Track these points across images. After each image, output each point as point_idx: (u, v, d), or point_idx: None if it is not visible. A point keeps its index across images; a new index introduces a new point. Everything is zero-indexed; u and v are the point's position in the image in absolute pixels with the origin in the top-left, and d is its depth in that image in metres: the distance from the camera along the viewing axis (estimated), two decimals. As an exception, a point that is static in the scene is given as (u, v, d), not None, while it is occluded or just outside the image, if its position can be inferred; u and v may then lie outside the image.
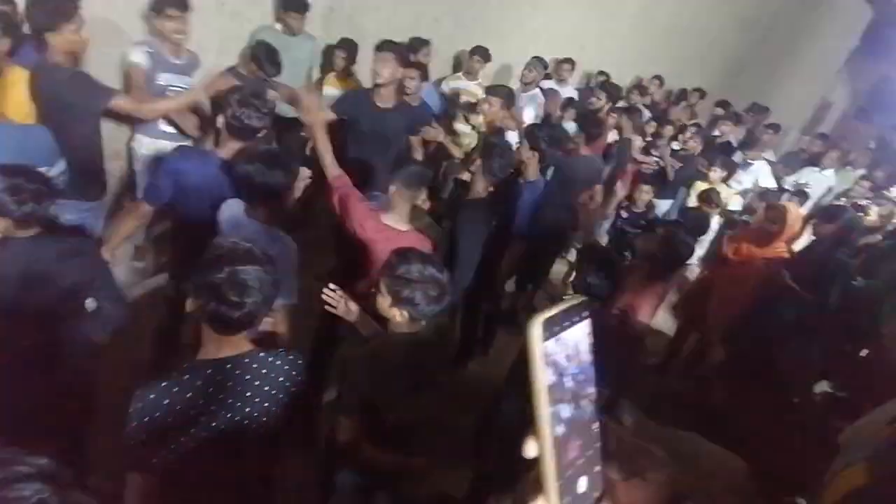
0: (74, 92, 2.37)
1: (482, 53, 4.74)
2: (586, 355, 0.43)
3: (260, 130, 2.20)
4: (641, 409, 3.54)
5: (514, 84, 5.16)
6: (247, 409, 1.34)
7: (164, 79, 3.03)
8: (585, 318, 0.42)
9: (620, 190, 4.70)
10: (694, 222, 3.77)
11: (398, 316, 1.65)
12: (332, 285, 1.97)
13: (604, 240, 4.87)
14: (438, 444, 1.91)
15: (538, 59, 5.03)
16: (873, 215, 4.39)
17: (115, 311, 1.81)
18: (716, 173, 5.03)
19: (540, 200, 3.26)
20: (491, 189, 2.79)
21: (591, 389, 0.43)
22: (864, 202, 4.77)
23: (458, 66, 5.34)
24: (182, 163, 2.17)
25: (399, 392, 1.64)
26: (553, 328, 0.40)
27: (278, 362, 1.41)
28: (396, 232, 2.30)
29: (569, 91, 5.81)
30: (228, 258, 1.27)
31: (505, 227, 3.12)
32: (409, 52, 4.32)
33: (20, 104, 2.32)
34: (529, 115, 4.86)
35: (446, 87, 4.84)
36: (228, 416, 1.31)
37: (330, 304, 1.95)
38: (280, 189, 1.97)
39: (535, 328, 0.39)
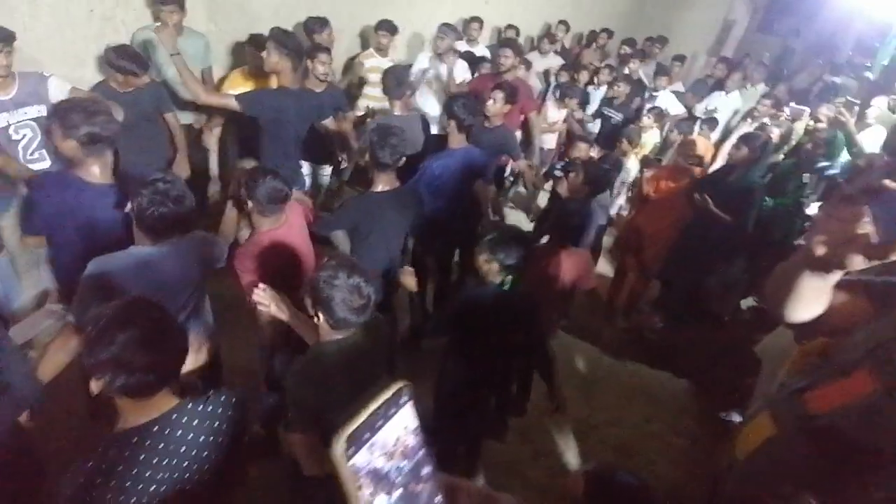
0: None
1: (388, 27, 4.59)
2: (413, 440, 0.41)
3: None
4: (586, 349, 3.75)
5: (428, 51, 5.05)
6: (185, 465, 1.28)
7: (1, 120, 2.74)
8: (405, 403, 0.41)
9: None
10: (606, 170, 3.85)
11: (319, 319, 1.65)
12: (261, 285, 1.93)
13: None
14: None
15: (447, 25, 4.88)
16: (775, 136, 4.65)
17: (27, 390, 1.62)
18: (649, 119, 5.17)
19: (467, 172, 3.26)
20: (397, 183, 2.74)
21: (426, 470, 0.42)
22: (766, 121, 5.03)
23: (366, 43, 5.16)
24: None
25: (340, 399, 1.64)
26: (362, 437, 0.39)
27: (210, 408, 1.34)
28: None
29: (481, 50, 5.75)
30: (118, 325, 1.16)
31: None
32: (309, 34, 4.18)
33: None
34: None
35: (359, 64, 4.68)
36: (167, 476, 1.25)
37: (262, 304, 1.91)
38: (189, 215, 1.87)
39: (338, 448, 0.37)
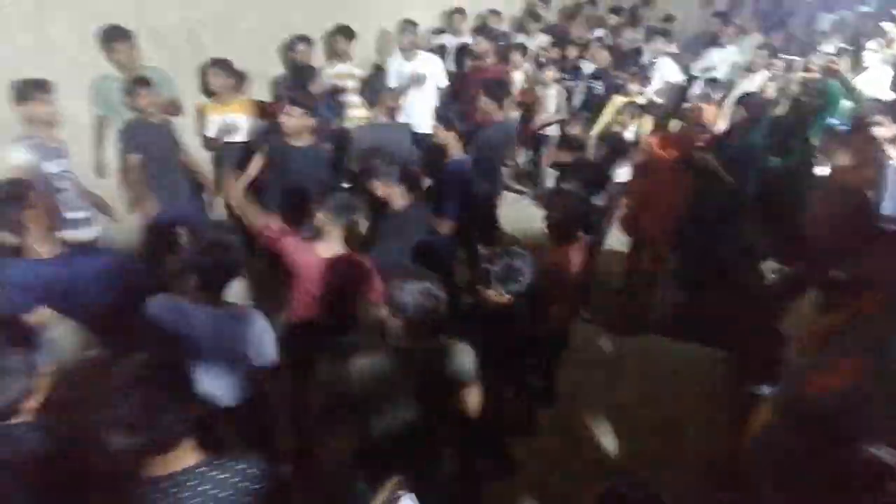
0: None
1: (344, 32, 4.54)
2: None
3: None
4: (613, 330, 3.75)
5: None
6: None
7: (49, 168, 2.84)
8: (399, 497, 0.42)
9: None
10: (614, 147, 3.82)
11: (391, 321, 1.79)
12: None
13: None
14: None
15: (407, 21, 4.77)
16: (771, 90, 4.54)
17: None
18: (635, 85, 5.07)
19: (469, 177, 3.27)
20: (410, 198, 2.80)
21: None
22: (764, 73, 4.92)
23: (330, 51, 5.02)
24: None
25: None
26: None
27: (228, 476, 1.30)
28: (326, 258, 2.38)
29: (468, 40, 5.68)
30: (122, 391, 1.17)
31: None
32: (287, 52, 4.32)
33: None
34: (430, 87, 4.70)
35: (325, 76, 4.58)
36: None
37: None
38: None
39: None
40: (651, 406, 3.23)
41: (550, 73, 5.17)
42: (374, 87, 3.75)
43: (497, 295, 2.18)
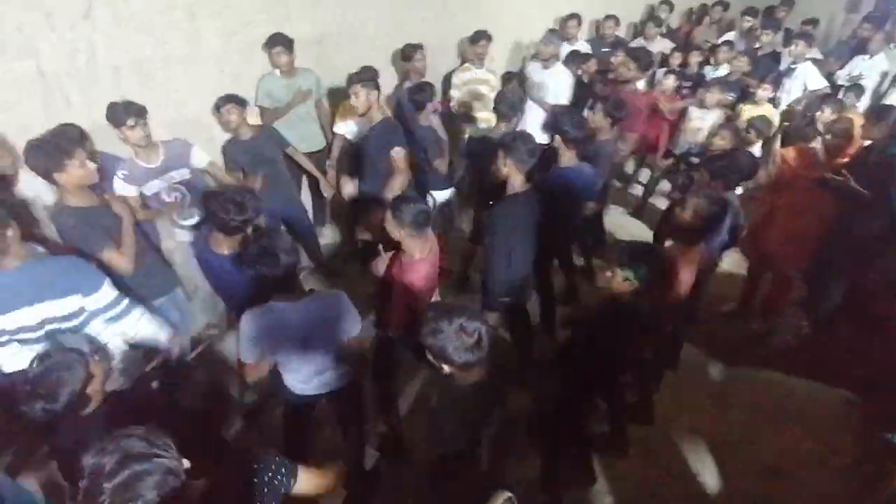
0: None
1: (483, 36, 4.60)
2: None
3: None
4: (718, 357, 3.48)
5: (528, 51, 4.99)
6: None
7: (152, 187, 3.03)
8: None
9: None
10: (739, 164, 3.52)
11: (446, 370, 1.71)
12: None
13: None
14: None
15: (553, 31, 4.80)
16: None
17: None
18: (765, 91, 4.69)
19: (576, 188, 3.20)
20: (528, 184, 2.77)
21: None
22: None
23: (464, 56, 5.11)
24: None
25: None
26: None
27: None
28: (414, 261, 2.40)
29: (582, 47, 5.57)
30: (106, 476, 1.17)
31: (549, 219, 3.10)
32: (403, 61, 4.46)
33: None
34: (565, 93, 4.70)
35: (457, 80, 4.73)
36: None
37: None
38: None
39: None
40: (758, 445, 2.95)
41: (670, 82, 4.92)
42: (511, 104, 3.78)
43: (622, 280, 2.14)
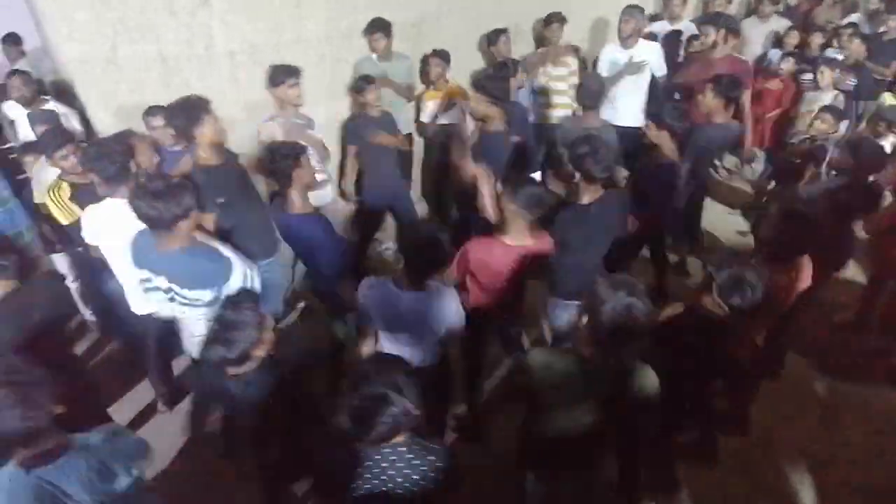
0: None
1: (557, 18, 4.42)
2: None
3: None
4: (827, 370, 3.21)
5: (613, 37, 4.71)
6: (387, 488, 1.49)
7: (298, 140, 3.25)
8: None
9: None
10: (868, 155, 3.15)
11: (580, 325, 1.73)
12: None
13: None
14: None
15: (633, 6, 4.45)
16: None
17: None
18: None
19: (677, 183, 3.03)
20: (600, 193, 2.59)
21: None
22: None
23: (540, 39, 4.89)
24: None
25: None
26: None
27: (416, 461, 1.50)
28: (515, 247, 2.38)
29: (687, 27, 5.19)
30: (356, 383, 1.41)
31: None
32: (487, 46, 4.43)
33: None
34: (644, 78, 4.39)
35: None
36: (369, 487, 1.50)
37: None
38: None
39: None
40: (867, 469, 2.72)
41: (788, 66, 4.50)
42: (593, 92, 3.53)
43: (715, 305, 1.99)
